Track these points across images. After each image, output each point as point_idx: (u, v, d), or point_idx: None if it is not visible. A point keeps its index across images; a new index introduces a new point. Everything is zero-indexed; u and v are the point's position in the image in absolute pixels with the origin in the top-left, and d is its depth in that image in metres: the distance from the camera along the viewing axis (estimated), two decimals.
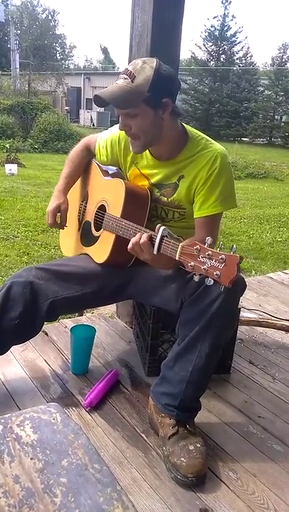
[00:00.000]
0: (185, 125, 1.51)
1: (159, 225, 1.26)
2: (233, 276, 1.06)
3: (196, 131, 1.53)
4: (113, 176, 1.66)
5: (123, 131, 1.46)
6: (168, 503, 1.26)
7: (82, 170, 1.77)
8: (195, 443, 1.37)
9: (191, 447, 1.36)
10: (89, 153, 1.76)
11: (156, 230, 1.26)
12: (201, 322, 1.33)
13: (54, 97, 24.63)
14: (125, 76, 1.34)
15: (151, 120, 1.38)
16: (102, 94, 1.35)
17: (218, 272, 1.07)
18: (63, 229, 1.70)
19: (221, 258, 1.07)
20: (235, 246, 1.10)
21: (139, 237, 1.30)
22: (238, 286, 1.32)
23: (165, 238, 1.23)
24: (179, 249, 1.17)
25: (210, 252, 1.09)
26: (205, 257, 1.10)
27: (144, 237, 1.28)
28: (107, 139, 1.65)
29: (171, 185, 1.51)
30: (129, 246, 1.32)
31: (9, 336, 1.50)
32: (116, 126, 1.56)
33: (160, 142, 1.46)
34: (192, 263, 1.13)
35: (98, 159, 1.72)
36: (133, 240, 1.31)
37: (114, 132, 1.61)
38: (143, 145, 1.46)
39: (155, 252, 1.26)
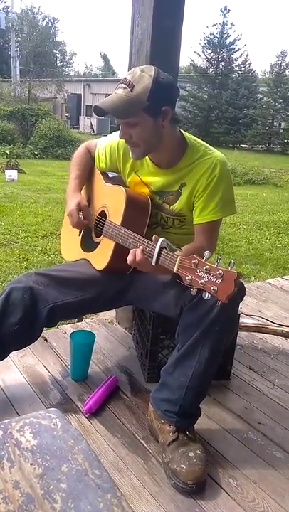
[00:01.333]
0: (184, 132, 1.52)
1: (155, 236, 1.27)
2: (230, 291, 1.06)
3: (195, 138, 1.54)
4: (114, 182, 1.66)
5: (122, 139, 1.47)
6: (168, 510, 1.25)
7: (88, 172, 1.76)
8: (195, 449, 1.37)
9: (191, 454, 1.35)
10: (91, 157, 1.76)
11: (153, 239, 1.27)
12: (200, 328, 1.33)
13: (54, 103, 24.76)
14: (124, 85, 1.35)
15: (151, 128, 1.39)
16: (102, 105, 1.36)
17: (215, 287, 1.08)
18: (87, 227, 1.63)
19: (219, 273, 1.07)
20: (233, 261, 1.11)
21: (133, 255, 1.31)
22: (238, 292, 1.32)
23: (163, 250, 1.24)
24: (177, 261, 1.18)
25: (208, 266, 1.10)
26: (203, 272, 1.11)
27: (139, 254, 1.29)
28: (106, 146, 1.66)
29: (174, 193, 1.52)
30: (129, 259, 1.32)
31: (8, 341, 1.50)
32: (115, 134, 1.57)
33: (160, 149, 1.47)
34: (190, 277, 1.13)
35: (97, 166, 1.72)
36: (130, 259, 1.32)
37: (113, 140, 1.62)
38: (143, 152, 1.47)
39: (153, 264, 1.26)
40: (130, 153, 1.50)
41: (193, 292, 1.14)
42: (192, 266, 1.13)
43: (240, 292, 1.37)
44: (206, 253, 1.13)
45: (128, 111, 1.35)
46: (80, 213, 1.59)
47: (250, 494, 1.33)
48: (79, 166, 1.74)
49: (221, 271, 1.07)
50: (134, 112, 1.35)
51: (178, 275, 1.17)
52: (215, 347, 1.35)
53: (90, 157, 1.76)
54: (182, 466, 1.32)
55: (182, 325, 1.41)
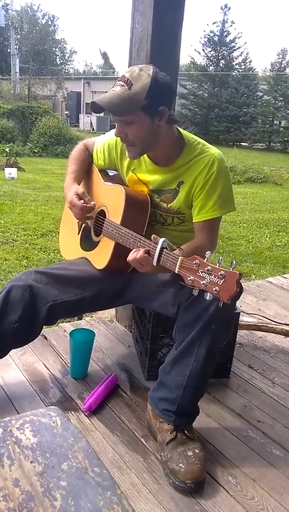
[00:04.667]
0: (181, 130, 1.52)
1: (154, 236, 1.27)
2: (232, 292, 1.06)
3: (192, 135, 1.53)
4: (113, 181, 1.66)
5: (118, 137, 1.46)
6: (167, 508, 1.25)
7: (87, 168, 1.75)
8: (194, 448, 1.37)
9: (190, 453, 1.35)
10: (89, 154, 1.76)
11: (152, 239, 1.27)
12: (197, 326, 1.33)
13: (54, 101, 24.76)
14: (122, 83, 1.34)
15: (147, 128, 1.39)
16: (100, 101, 1.35)
17: (217, 288, 1.08)
18: (94, 208, 1.57)
19: (221, 274, 1.07)
20: (234, 262, 1.11)
21: (135, 254, 1.31)
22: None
23: (164, 250, 1.24)
24: (178, 262, 1.18)
25: (210, 267, 1.10)
26: (204, 272, 1.10)
27: (141, 253, 1.29)
28: (104, 143, 1.66)
29: (171, 191, 1.51)
30: (129, 260, 1.33)
31: (8, 339, 1.50)
32: (113, 131, 1.56)
33: (156, 149, 1.47)
34: (191, 277, 1.13)
35: (96, 163, 1.72)
36: (130, 258, 1.32)
37: (111, 137, 1.61)
38: (139, 152, 1.47)
39: (155, 264, 1.26)
40: (126, 152, 1.50)
41: (195, 293, 1.13)
42: (194, 266, 1.13)
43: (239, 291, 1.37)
44: (207, 253, 1.13)
45: (126, 109, 1.34)
46: (81, 201, 1.54)
47: (249, 492, 1.34)
48: (77, 160, 1.72)
49: (222, 271, 1.07)
50: (132, 110, 1.35)
51: (179, 276, 1.17)
52: (212, 346, 1.35)
53: (88, 154, 1.75)
54: (181, 465, 1.32)
55: (179, 324, 1.42)
